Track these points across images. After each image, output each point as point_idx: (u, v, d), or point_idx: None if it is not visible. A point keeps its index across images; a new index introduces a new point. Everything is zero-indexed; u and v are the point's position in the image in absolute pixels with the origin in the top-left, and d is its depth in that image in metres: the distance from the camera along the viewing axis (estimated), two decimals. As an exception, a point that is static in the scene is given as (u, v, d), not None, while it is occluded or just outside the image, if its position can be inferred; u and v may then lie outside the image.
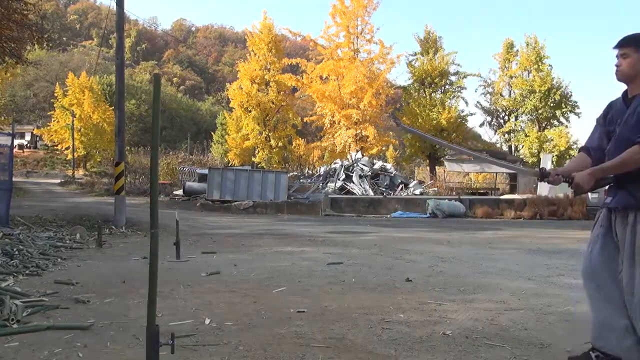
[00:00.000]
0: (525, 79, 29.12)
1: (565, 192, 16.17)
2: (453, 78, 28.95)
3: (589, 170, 2.45)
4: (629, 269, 2.39)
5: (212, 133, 55.56)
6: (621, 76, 2.49)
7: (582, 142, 3.82)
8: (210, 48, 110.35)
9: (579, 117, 29.37)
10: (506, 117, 31.53)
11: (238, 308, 3.86)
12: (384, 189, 20.60)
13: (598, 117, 2.70)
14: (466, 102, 45.49)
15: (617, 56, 2.49)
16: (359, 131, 26.12)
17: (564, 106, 28.51)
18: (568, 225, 13.59)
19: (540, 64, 28.61)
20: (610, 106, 2.62)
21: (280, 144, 28.91)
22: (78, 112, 40.98)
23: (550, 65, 28.74)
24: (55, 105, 44.02)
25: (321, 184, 21.09)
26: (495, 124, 32.39)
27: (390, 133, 28.87)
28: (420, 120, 27.11)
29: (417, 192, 20.79)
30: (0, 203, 8.46)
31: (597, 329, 2.53)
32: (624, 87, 2.56)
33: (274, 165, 27.99)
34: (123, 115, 11.32)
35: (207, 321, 3.46)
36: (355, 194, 19.32)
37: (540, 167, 2.53)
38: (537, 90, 28.02)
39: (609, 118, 2.58)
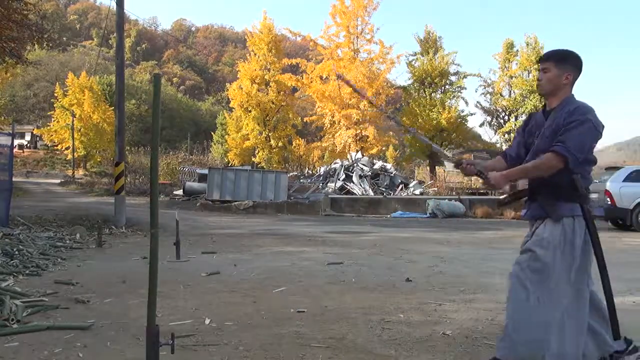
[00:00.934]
0: (525, 79, 29.08)
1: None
2: (453, 78, 28.90)
3: (504, 172, 2.52)
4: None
5: (212, 133, 55.60)
6: (541, 90, 2.54)
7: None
8: (210, 48, 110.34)
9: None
10: (506, 117, 31.46)
11: (238, 308, 3.86)
12: (384, 189, 20.57)
13: (519, 126, 2.76)
14: (466, 102, 45.43)
15: (538, 70, 2.54)
16: (359, 131, 26.11)
17: (564, 106, 28.48)
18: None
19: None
20: (531, 117, 2.68)
21: (280, 144, 28.89)
22: (78, 112, 40.96)
23: (550, 66, 28.72)
24: (55, 105, 44.00)
25: (321, 184, 21.07)
26: (495, 124, 32.30)
27: (391, 133, 28.84)
28: (420, 120, 27.05)
29: (417, 192, 20.76)
30: (0, 203, 8.46)
31: None
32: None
33: (274, 165, 27.97)
34: (123, 115, 11.32)
35: (207, 321, 3.46)
36: (355, 194, 19.30)
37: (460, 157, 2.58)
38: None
39: (528, 129, 2.64)
